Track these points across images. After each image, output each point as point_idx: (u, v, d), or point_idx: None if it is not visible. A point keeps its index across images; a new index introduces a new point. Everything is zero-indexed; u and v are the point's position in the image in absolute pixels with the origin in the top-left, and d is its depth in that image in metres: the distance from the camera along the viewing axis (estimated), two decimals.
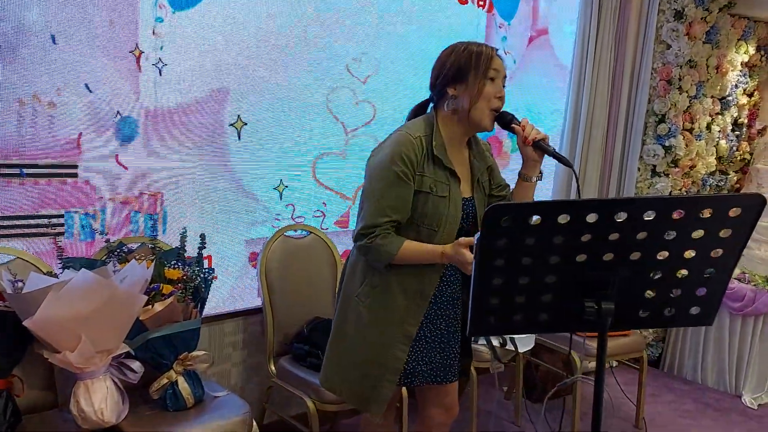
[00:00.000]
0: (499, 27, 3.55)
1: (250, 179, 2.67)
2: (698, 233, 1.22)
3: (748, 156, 4.61)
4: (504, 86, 1.89)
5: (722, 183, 4.44)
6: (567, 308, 1.31)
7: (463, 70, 1.82)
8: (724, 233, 1.22)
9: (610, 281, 1.27)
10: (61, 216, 2.19)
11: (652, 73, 3.92)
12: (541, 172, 1.95)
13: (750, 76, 4.46)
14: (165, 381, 2.11)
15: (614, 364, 3.83)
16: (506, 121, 1.89)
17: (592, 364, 3.25)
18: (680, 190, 4.11)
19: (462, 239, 1.81)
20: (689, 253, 1.25)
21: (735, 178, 4.56)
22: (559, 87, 3.88)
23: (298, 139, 2.79)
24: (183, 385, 2.13)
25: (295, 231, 2.81)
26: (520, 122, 1.88)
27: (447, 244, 1.83)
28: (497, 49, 1.89)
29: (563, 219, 1.18)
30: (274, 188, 2.76)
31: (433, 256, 1.81)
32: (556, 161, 1.85)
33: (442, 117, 1.89)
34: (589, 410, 3.31)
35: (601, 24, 3.75)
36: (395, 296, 1.86)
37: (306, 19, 2.72)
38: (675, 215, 1.19)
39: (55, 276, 1.99)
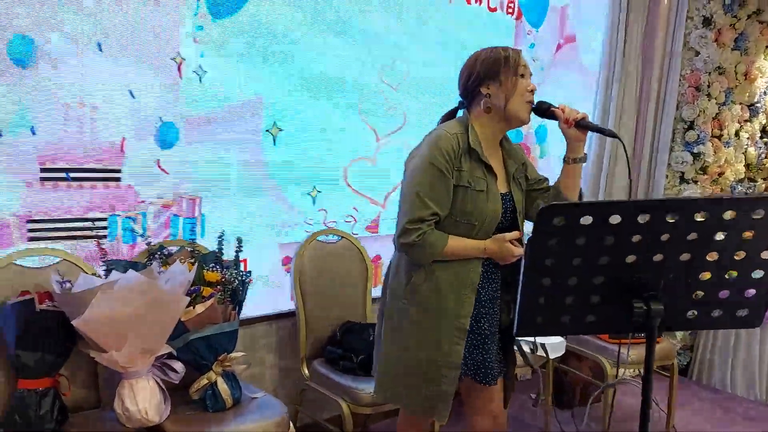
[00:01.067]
0: (527, 34, 3.57)
1: (284, 184, 2.71)
2: (749, 234, 1.23)
3: None
4: None
5: (750, 190, 4.40)
6: (615, 309, 1.32)
7: (494, 69, 1.88)
8: None
9: (658, 282, 1.28)
10: (105, 219, 2.24)
11: (680, 80, 3.91)
12: (585, 154, 1.99)
13: None
14: (205, 382, 2.14)
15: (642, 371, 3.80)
16: (544, 108, 1.96)
17: (621, 371, 3.24)
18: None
19: (507, 234, 1.85)
20: (739, 254, 1.26)
21: (763, 186, 4.52)
22: (587, 94, 3.88)
23: (331, 145, 2.82)
24: (222, 386, 2.16)
25: (327, 236, 2.84)
26: (558, 107, 1.95)
27: (487, 240, 1.88)
28: (520, 50, 1.95)
29: (615, 219, 1.19)
30: (308, 193, 2.79)
31: (476, 251, 1.87)
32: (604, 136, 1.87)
33: (476, 117, 1.94)
34: (620, 417, 3.31)
35: (628, 31, 3.76)
36: (443, 291, 1.87)
37: (339, 26, 2.76)
38: (727, 216, 1.20)
39: (100, 278, 2.04)
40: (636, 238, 1.23)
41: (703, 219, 1.20)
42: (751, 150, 4.32)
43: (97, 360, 1.90)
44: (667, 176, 4.00)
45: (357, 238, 2.91)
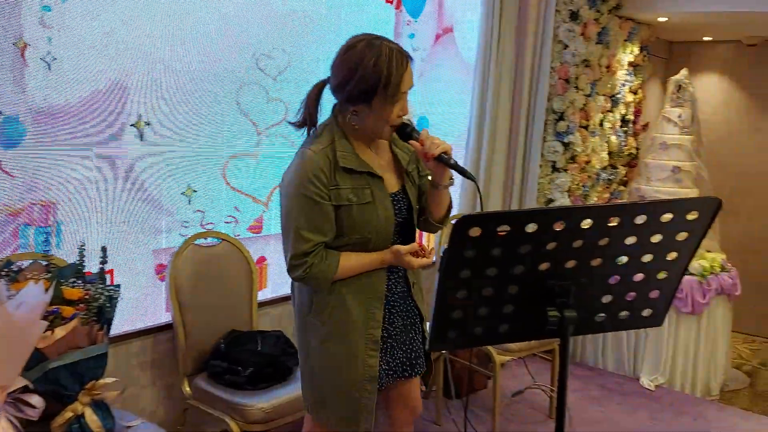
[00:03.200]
0: (407, 24, 3.52)
1: (155, 184, 2.45)
2: (657, 237, 1.22)
3: (634, 150, 4.90)
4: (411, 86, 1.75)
5: (613, 177, 4.68)
6: (528, 318, 1.27)
7: (369, 93, 1.67)
8: (680, 236, 1.23)
9: (571, 289, 1.24)
10: None
11: (550, 72, 4.04)
12: (451, 178, 1.85)
13: (635, 75, 4.75)
14: (70, 414, 1.87)
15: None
16: (405, 134, 1.78)
17: (506, 358, 3.31)
18: (578, 184, 4.29)
19: (402, 247, 1.76)
20: (647, 257, 1.26)
21: (623, 172, 4.83)
22: (466, 84, 3.91)
23: (207, 140, 2.60)
24: (91, 418, 1.91)
25: (206, 239, 2.62)
26: (419, 135, 1.75)
27: (385, 251, 1.78)
28: (410, 59, 1.72)
29: (531, 228, 1.14)
30: (182, 193, 2.55)
31: (375, 264, 1.78)
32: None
33: (344, 122, 1.77)
34: (504, 401, 3.40)
35: (502, 24, 3.81)
36: (350, 305, 1.78)
37: (212, 10, 2.53)
38: (638, 220, 1.18)
39: None
40: (551, 245, 1.18)
41: (615, 224, 1.17)
42: (613, 138, 4.59)
43: None
44: (540, 166, 4.13)
45: (239, 240, 2.71)
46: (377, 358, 1.81)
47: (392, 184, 1.85)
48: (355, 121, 1.74)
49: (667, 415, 3.50)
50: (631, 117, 4.81)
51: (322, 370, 1.83)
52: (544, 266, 1.21)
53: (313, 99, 1.81)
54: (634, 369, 3.98)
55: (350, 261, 1.75)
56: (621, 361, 4.03)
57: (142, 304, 2.50)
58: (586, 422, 3.35)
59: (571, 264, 1.22)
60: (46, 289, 1.81)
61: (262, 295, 2.88)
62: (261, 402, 2.25)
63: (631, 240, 1.21)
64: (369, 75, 1.65)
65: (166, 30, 2.39)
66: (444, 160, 1.73)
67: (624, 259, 1.24)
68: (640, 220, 1.18)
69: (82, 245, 2.03)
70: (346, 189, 1.73)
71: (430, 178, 1.89)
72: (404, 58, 1.70)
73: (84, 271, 2.03)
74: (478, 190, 1.80)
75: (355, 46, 1.71)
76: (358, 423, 1.83)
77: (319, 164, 1.69)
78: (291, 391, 2.36)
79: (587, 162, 4.35)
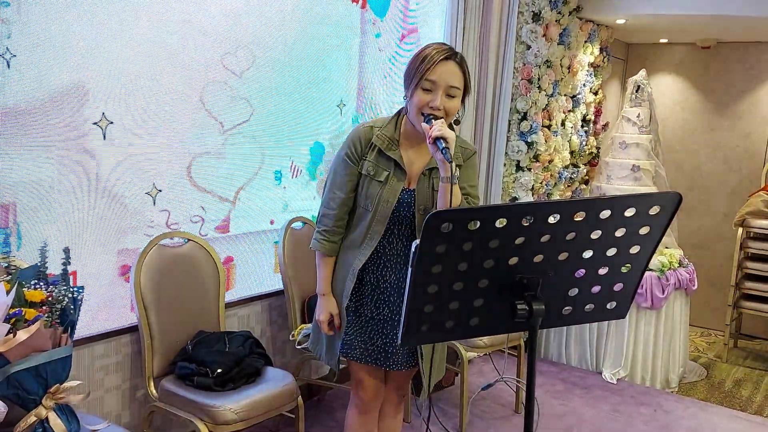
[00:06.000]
0: (373, 23, 3.53)
1: (118, 184, 2.41)
2: (621, 231, 1.26)
3: (594, 150, 5.01)
4: (454, 96, 1.88)
5: (575, 175, 4.78)
6: (498, 311, 1.30)
7: (406, 79, 1.92)
8: (643, 230, 1.27)
9: (539, 282, 1.28)
10: None
11: (514, 73, 4.11)
12: (453, 175, 1.84)
13: (595, 76, 4.85)
14: (33, 419, 1.84)
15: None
16: (427, 121, 1.86)
17: (473, 354, 3.35)
18: (541, 183, 4.37)
19: (326, 311, 2.07)
20: (611, 251, 1.29)
21: (585, 171, 4.94)
22: None
23: (172, 139, 2.56)
24: (55, 422, 1.87)
25: (171, 239, 2.59)
26: (433, 122, 1.84)
27: (326, 298, 2.06)
28: (449, 56, 1.86)
29: (500, 223, 1.16)
30: (147, 193, 2.52)
31: (320, 283, 2.09)
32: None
33: (405, 120, 2.00)
34: (476, 401, 3.44)
35: (466, 24, 3.86)
36: (339, 269, 2.06)
37: (177, 7, 2.50)
38: (603, 215, 1.21)
39: None
40: (519, 240, 1.21)
41: (581, 219, 1.21)
42: (575, 138, 4.69)
43: None
44: (504, 165, 4.19)
45: (206, 240, 2.68)
46: (344, 321, 2.03)
47: (413, 181, 1.99)
48: (407, 110, 1.94)
49: (628, 407, 3.60)
50: (591, 117, 4.92)
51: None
52: (513, 260, 1.24)
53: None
54: (596, 363, 4.08)
55: (323, 266, 2.06)
56: (584, 356, 4.12)
57: (106, 306, 2.45)
58: (551, 416, 3.42)
59: (539, 258, 1.25)
60: (7, 292, 1.78)
61: (230, 296, 2.86)
62: (230, 403, 2.24)
63: (596, 234, 1.25)
64: (410, 63, 1.92)
65: (129, 26, 2.35)
66: (435, 143, 1.80)
67: (590, 252, 1.28)
68: (605, 214, 1.22)
69: (43, 246, 1.99)
70: (369, 163, 1.96)
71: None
72: (442, 52, 1.86)
73: (46, 272, 1.99)
74: (452, 175, 1.81)
75: None
76: (335, 359, 2.08)
77: (361, 135, 1.98)
78: (260, 392, 2.35)
79: (550, 161, 4.43)
